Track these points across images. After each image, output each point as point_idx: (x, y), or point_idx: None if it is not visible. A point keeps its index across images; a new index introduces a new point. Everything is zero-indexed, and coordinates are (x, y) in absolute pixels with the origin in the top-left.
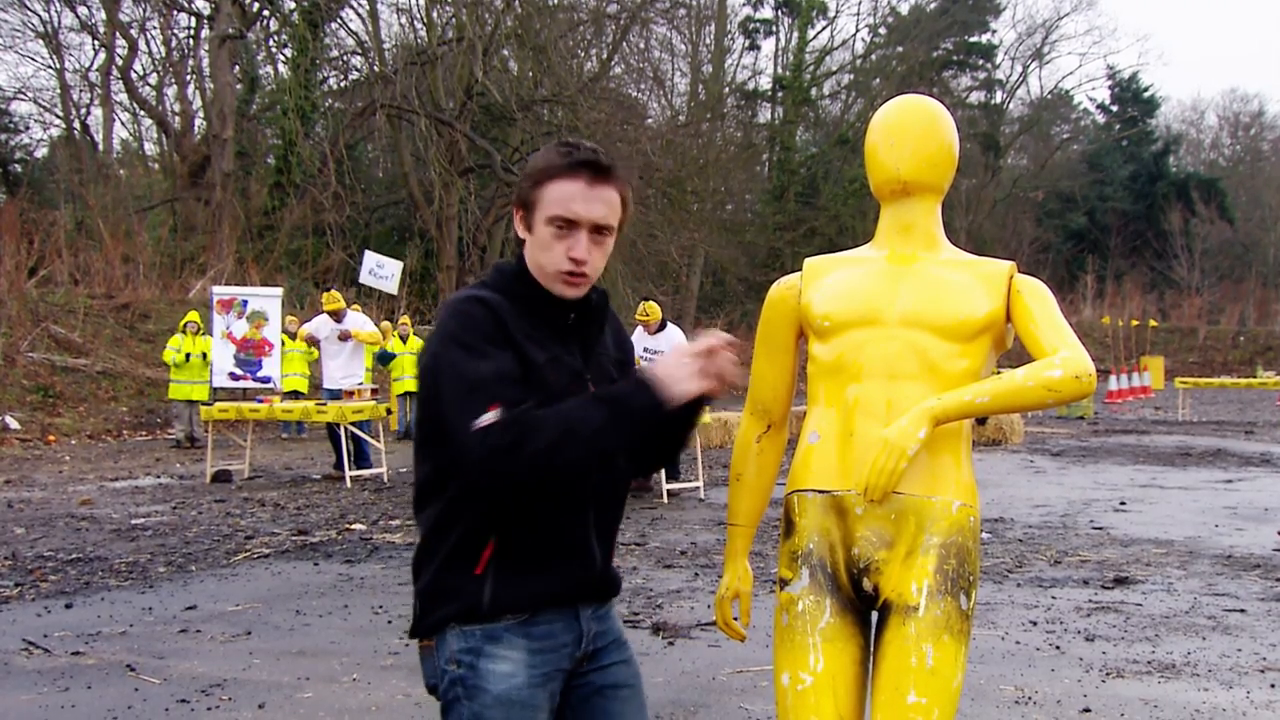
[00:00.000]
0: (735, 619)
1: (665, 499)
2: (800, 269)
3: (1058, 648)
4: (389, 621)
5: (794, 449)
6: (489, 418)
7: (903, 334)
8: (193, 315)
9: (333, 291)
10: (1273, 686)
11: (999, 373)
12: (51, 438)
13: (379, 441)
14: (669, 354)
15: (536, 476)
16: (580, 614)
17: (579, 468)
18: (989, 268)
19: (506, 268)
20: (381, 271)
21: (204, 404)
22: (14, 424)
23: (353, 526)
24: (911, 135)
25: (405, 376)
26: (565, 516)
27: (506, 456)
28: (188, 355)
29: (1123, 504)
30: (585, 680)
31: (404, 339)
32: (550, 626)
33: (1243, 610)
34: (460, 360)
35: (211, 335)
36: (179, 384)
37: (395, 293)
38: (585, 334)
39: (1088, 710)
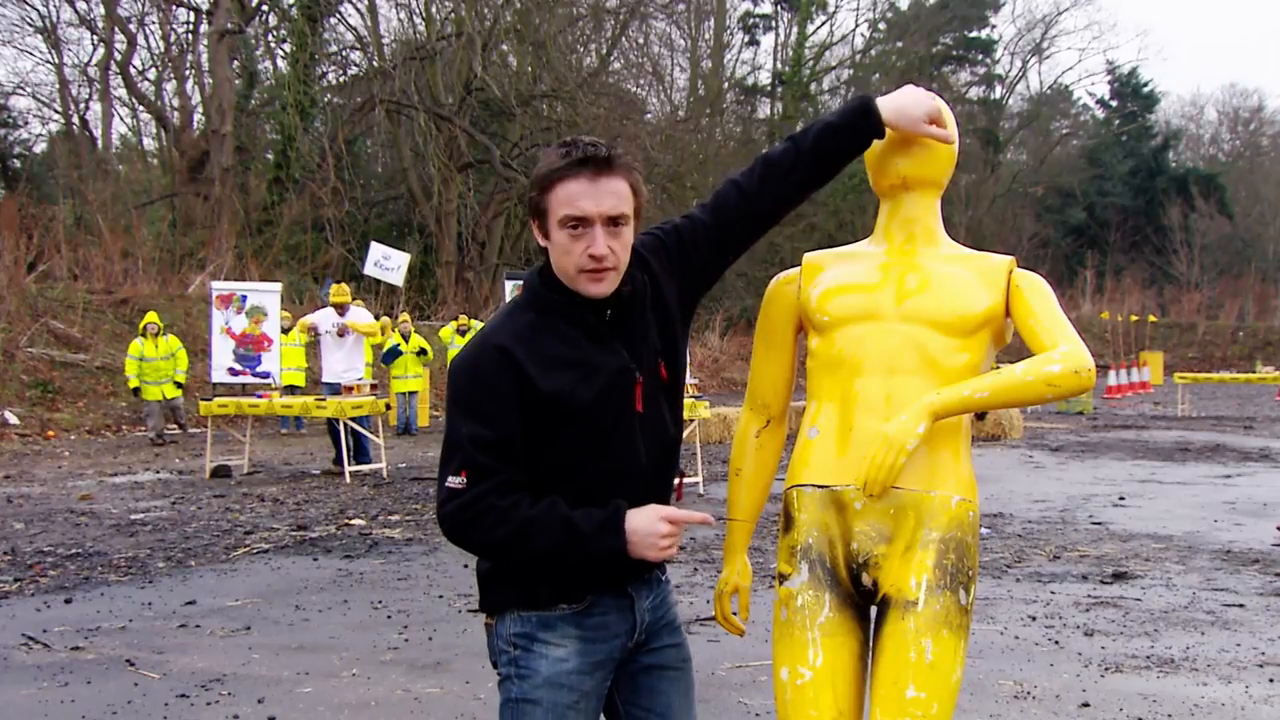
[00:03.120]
0: (734, 613)
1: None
2: (799, 264)
3: (1057, 643)
4: (388, 616)
5: (793, 444)
6: (456, 482)
7: (902, 329)
8: (151, 317)
9: (341, 285)
10: (1271, 681)
11: (998, 367)
12: (51, 433)
13: (378, 437)
14: (648, 512)
15: (482, 555)
16: (636, 604)
17: (522, 565)
18: (988, 262)
19: (533, 279)
20: (387, 263)
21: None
22: (13, 419)
23: (352, 522)
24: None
25: (406, 375)
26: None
27: (460, 531)
28: (141, 358)
29: (1122, 499)
30: (635, 659)
31: (405, 337)
32: (604, 618)
33: (1241, 605)
34: (453, 416)
35: (198, 331)
36: (149, 385)
37: (400, 284)
38: (626, 328)
39: (1086, 705)
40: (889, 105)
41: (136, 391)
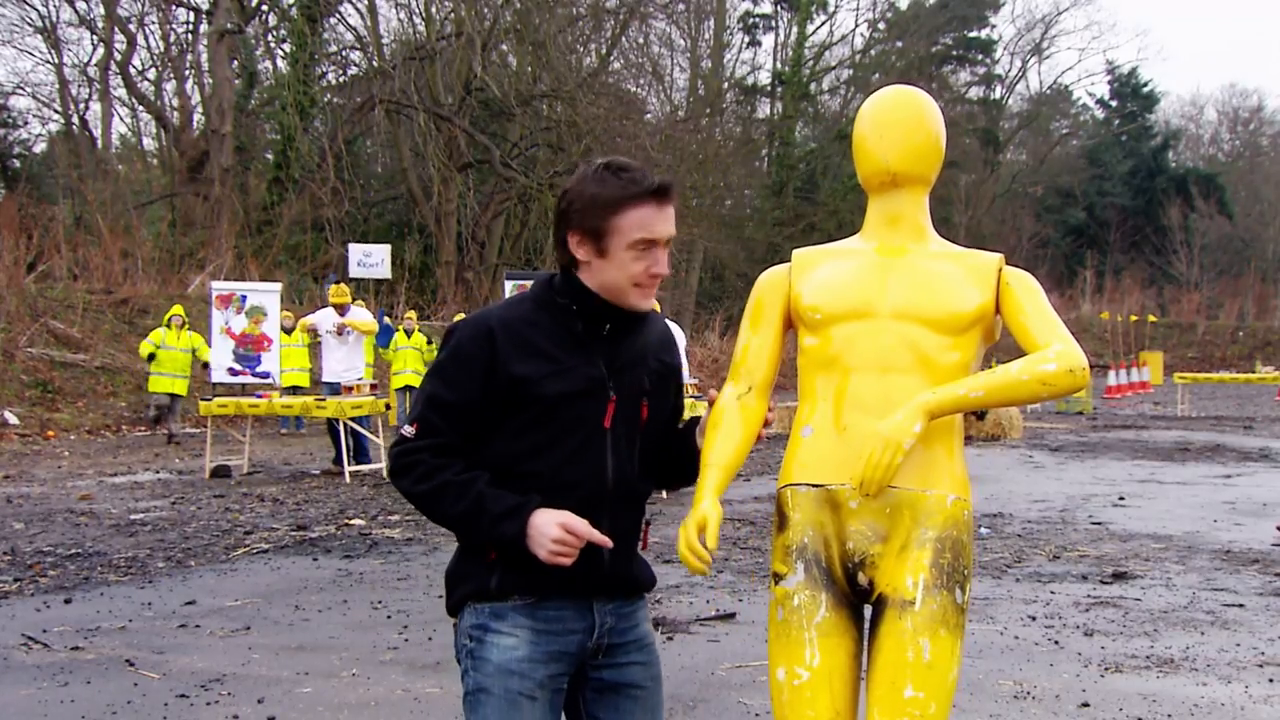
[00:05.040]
0: (702, 544)
1: (664, 494)
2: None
3: (1056, 642)
4: (388, 616)
5: (785, 444)
6: (408, 431)
7: (895, 327)
8: (177, 309)
9: (340, 285)
10: (1271, 681)
11: (993, 365)
12: (50, 433)
13: (378, 437)
14: (552, 514)
15: (410, 501)
16: (594, 605)
17: (434, 520)
18: (978, 260)
19: (550, 281)
20: (370, 260)
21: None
22: (13, 419)
23: (352, 522)
24: (900, 127)
25: (405, 370)
26: (574, 513)
27: (395, 475)
28: (159, 345)
29: (1121, 499)
30: (600, 675)
31: (409, 333)
32: (559, 612)
33: (1241, 605)
34: (428, 379)
35: (199, 330)
36: (159, 376)
37: (389, 275)
38: (617, 344)
39: (1086, 705)
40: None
41: (151, 358)
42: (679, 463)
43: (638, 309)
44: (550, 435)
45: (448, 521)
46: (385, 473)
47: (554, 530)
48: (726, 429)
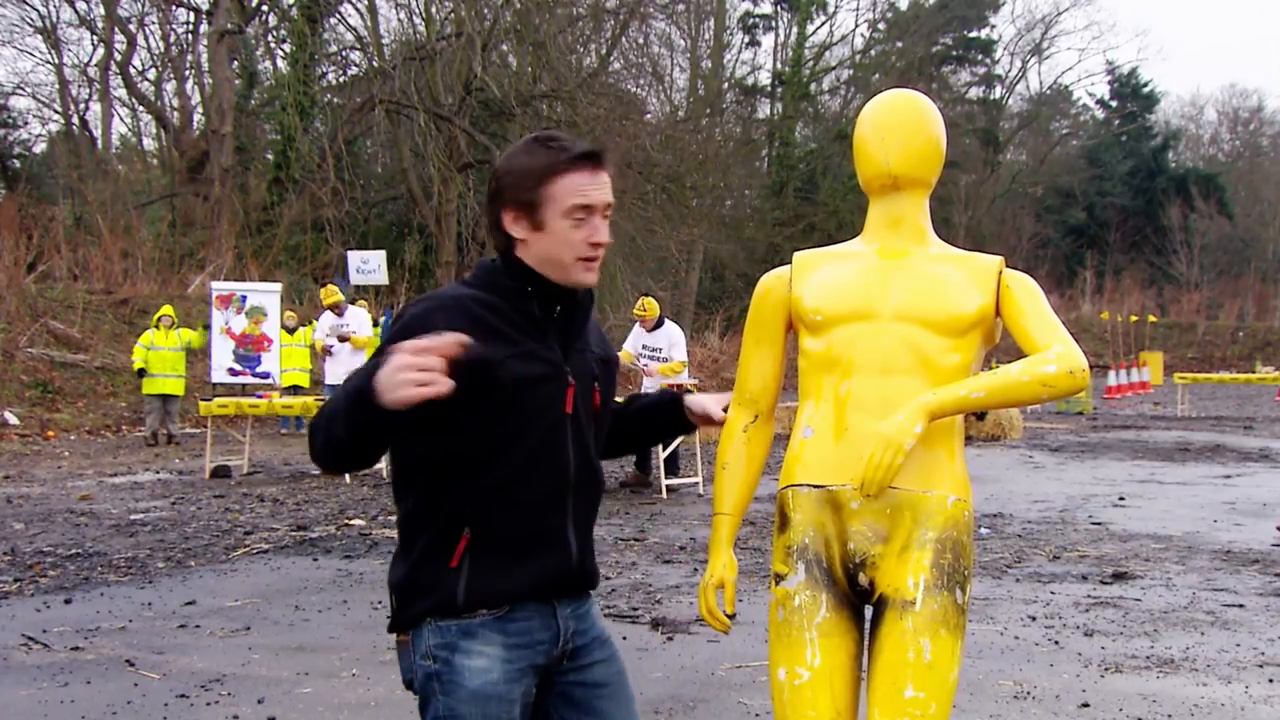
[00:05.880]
0: (720, 609)
1: (665, 494)
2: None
3: (1056, 643)
4: (388, 617)
5: (785, 443)
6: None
7: (896, 329)
8: (166, 309)
9: (329, 286)
10: (1271, 681)
11: (995, 367)
12: (50, 433)
13: None
14: (395, 357)
15: (325, 457)
16: (558, 611)
17: (328, 449)
18: (978, 262)
19: (493, 265)
20: (367, 267)
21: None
22: (13, 419)
23: (352, 522)
24: (901, 130)
25: None
26: (542, 506)
27: (311, 449)
28: (150, 348)
29: (1121, 499)
30: (568, 680)
31: None
32: (527, 623)
33: (1241, 605)
34: (374, 357)
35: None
36: (151, 377)
37: (386, 282)
38: (567, 327)
39: (1086, 705)
40: None
41: (141, 373)
42: (628, 437)
43: (582, 284)
44: (515, 424)
45: (340, 444)
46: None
47: (402, 358)
48: (734, 469)
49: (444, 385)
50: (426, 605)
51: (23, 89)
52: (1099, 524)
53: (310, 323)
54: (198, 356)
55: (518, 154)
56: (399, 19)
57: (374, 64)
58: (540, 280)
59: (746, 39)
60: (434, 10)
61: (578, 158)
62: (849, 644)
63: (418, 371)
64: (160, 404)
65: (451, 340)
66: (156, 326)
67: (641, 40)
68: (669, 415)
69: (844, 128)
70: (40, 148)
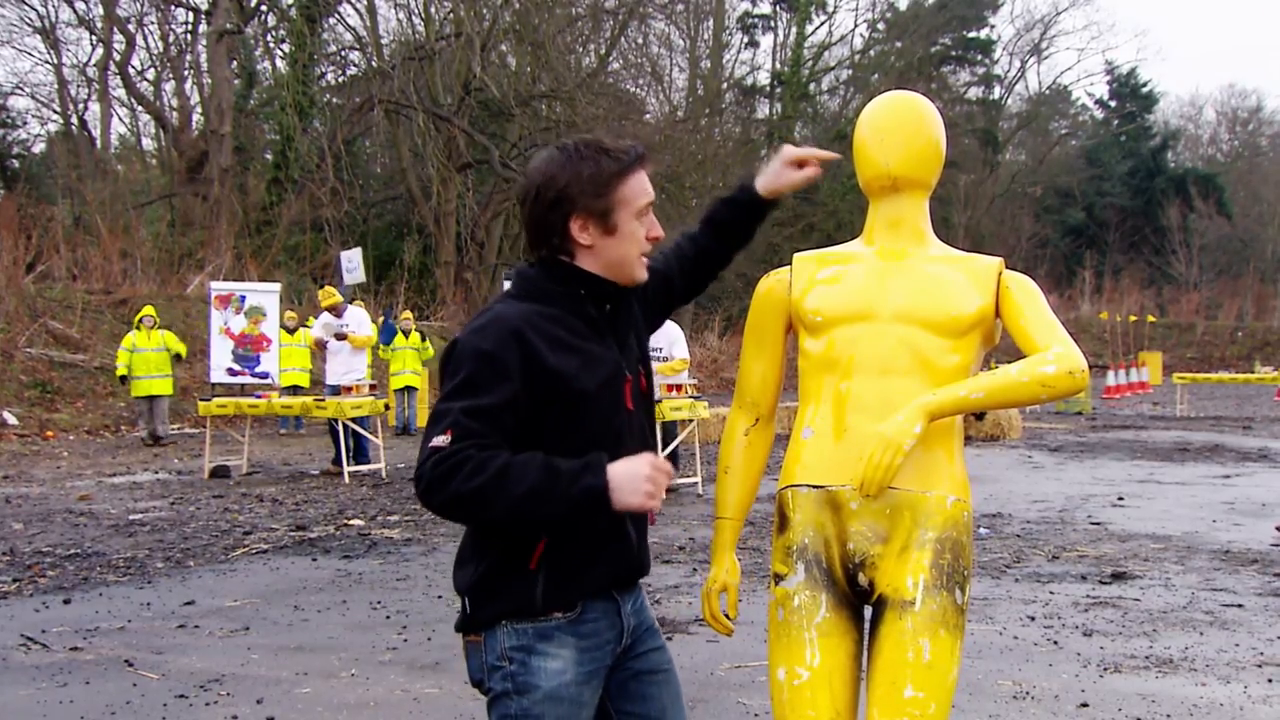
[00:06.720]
0: (723, 613)
1: (664, 494)
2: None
3: (1055, 643)
4: (387, 617)
5: (784, 444)
6: (440, 440)
7: (896, 330)
8: (148, 310)
9: (327, 287)
10: (1270, 681)
11: (994, 367)
12: (49, 433)
13: (377, 437)
14: (633, 461)
15: (450, 512)
16: (621, 609)
17: (495, 519)
18: (978, 264)
19: (535, 274)
20: (350, 265)
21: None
22: (12, 419)
23: (351, 522)
24: (901, 131)
25: (404, 371)
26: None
27: (437, 484)
28: (133, 350)
29: (1120, 499)
30: (624, 666)
31: (405, 333)
32: (596, 624)
33: (1240, 605)
34: (448, 389)
35: (194, 330)
36: (138, 379)
37: (363, 279)
38: (617, 325)
39: (1085, 705)
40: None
41: (124, 380)
42: (717, 254)
43: (638, 281)
44: (588, 430)
45: (512, 505)
46: (417, 492)
47: (644, 468)
48: (735, 473)
49: (659, 503)
50: (503, 608)
51: (22, 89)
52: (1098, 524)
53: (310, 322)
54: (196, 357)
55: (575, 163)
56: (398, 19)
57: (373, 64)
58: (593, 282)
59: (745, 39)
60: (433, 10)
61: (635, 160)
62: (848, 644)
63: (652, 484)
64: (148, 405)
65: (668, 468)
66: (138, 327)
67: (640, 40)
68: (747, 210)
69: (843, 128)
70: (39, 148)
